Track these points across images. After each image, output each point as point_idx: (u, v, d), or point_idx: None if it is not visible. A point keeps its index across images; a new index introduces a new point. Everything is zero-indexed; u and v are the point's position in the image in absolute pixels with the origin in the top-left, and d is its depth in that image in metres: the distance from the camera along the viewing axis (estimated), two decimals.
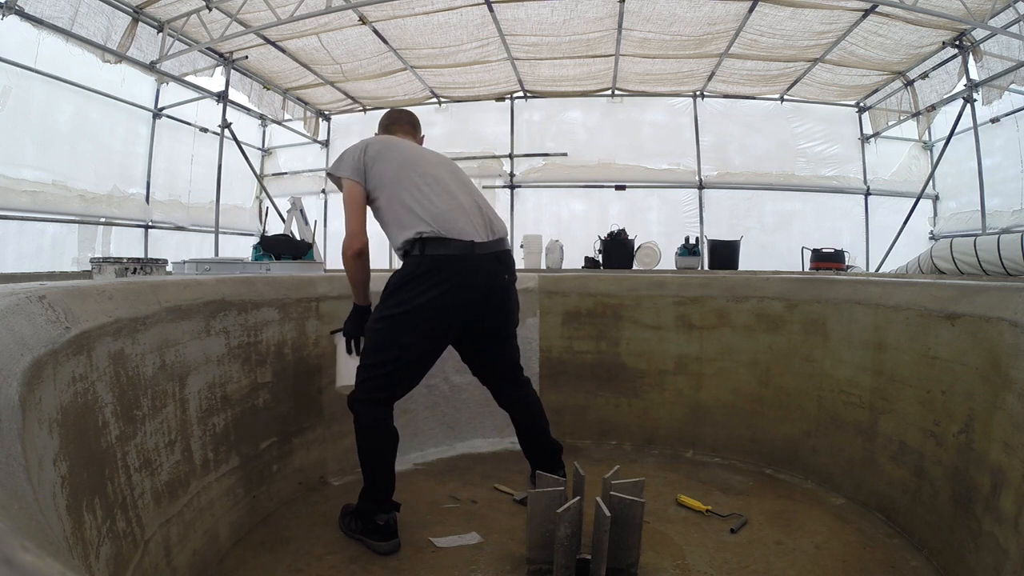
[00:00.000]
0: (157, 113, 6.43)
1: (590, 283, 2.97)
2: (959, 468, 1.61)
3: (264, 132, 8.49)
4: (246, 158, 6.76)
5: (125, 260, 2.60)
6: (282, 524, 1.90)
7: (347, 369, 1.92)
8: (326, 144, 8.49)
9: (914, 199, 6.38)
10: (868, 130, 7.42)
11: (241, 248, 7.34)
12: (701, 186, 7.43)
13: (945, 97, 6.11)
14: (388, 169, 1.81)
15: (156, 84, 6.23)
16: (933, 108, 6.37)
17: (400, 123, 2.10)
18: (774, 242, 7.13)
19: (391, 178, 1.80)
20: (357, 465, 2.32)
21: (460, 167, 2.06)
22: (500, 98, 7.67)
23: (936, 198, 7.28)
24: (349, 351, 1.94)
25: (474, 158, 7.60)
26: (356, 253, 1.78)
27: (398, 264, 1.90)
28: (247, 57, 6.14)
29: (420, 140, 2.17)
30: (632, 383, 2.84)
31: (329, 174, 1.92)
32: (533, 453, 2.11)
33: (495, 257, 1.84)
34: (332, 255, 7.33)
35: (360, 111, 8.17)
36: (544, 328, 2.91)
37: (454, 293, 1.75)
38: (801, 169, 7.42)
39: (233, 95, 6.55)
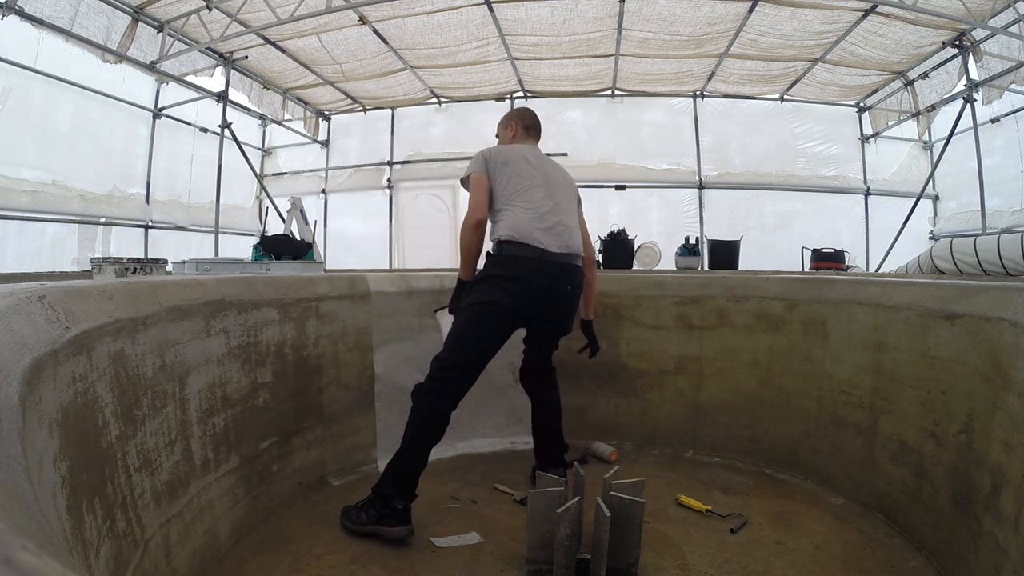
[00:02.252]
0: (157, 113, 6.43)
1: None
2: (959, 468, 1.61)
3: (264, 132, 8.48)
4: (246, 158, 6.76)
5: (125, 260, 2.60)
6: (282, 524, 1.90)
7: None
8: (326, 144, 8.48)
9: (914, 199, 6.37)
10: (868, 130, 7.41)
11: (241, 248, 7.33)
12: (701, 186, 7.42)
13: (945, 97, 6.10)
14: (508, 174, 2.10)
15: (156, 84, 6.23)
16: (933, 108, 6.37)
17: (536, 129, 2.36)
18: (774, 242, 7.12)
19: (507, 180, 2.10)
20: (357, 465, 2.36)
21: (570, 180, 2.27)
22: (500, 98, 7.65)
23: (936, 198, 7.26)
24: None
25: None
26: (476, 222, 2.03)
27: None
28: (247, 57, 6.13)
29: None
30: (632, 383, 2.85)
31: (461, 180, 2.18)
32: (541, 443, 2.26)
33: (559, 267, 2.05)
34: (332, 255, 7.35)
35: (360, 111, 8.16)
36: None
37: (520, 289, 1.98)
38: (801, 169, 7.40)
39: (233, 95, 6.54)
